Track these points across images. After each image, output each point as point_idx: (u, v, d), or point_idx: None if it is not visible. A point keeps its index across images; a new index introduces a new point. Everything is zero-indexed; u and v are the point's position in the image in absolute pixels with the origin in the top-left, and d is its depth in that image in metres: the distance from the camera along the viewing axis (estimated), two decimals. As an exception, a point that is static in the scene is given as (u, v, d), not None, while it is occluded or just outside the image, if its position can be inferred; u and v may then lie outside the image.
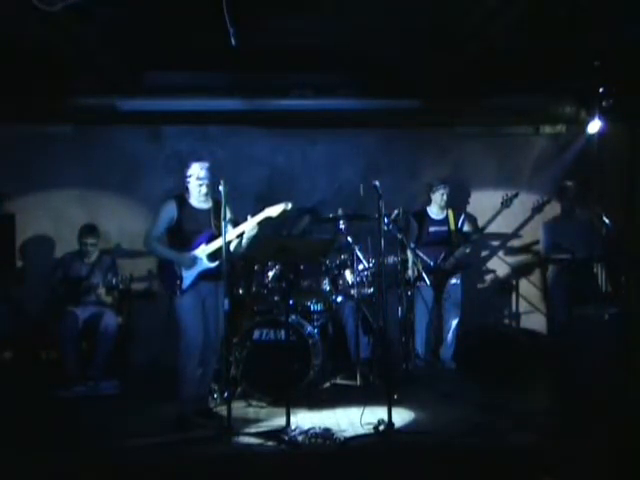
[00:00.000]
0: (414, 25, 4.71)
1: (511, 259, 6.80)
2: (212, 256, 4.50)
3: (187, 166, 4.58)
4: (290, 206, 4.52)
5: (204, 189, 4.52)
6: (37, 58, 5.04)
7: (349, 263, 5.45)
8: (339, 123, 6.57)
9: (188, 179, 4.54)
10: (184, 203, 4.58)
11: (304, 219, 5.94)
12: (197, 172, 4.52)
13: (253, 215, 4.48)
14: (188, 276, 4.48)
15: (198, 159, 4.63)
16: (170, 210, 4.56)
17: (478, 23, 4.43)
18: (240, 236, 4.52)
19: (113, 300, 5.78)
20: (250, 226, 4.46)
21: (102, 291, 5.65)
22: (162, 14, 4.43)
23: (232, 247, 4.57)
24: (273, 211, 4.48)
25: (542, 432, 4.07)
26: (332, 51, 5.23)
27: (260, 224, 4.48)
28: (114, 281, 5.55)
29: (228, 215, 4.51)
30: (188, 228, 4.54)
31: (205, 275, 4.51)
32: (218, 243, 4.47)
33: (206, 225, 4.54)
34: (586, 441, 3.84)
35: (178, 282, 4.47)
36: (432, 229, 6.12)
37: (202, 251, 4.51)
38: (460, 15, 4.42)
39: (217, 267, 4.47)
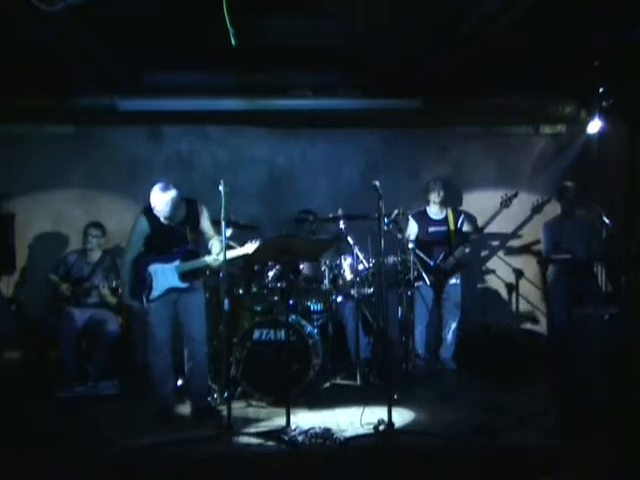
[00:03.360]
0: (414, 25, 4.70)
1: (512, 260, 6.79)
2: (185, 275, 4.53)
3: (150, 192, 4.43)
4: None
5: (169, 215, 4.43)
6: (37, 58, 5.04)
7: (349, 263, 5.45)
8: (339, 123, 6.57)
9: (150, 203, 4.44)
10: (154, 218, 4.49)
11: (307, 220, 5.95)
12: (157, 204, 4.38)
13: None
14: (158, 288, 4.49)
15: (164, 187, 4.36)
16: (142, 226, 4.53)
17: (478, 23, 4.43)
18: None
19: (117, 301, 5.75)
20: (226, 257, 4.33)
21: (107, 292, 5.64)
22: (162, 14, 4.42)
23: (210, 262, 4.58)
24: (249, 248, 4.52)
25: (542, 432, 4.07)
26: (332, 51, 5.22)
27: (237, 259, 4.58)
28: (115, 283, 5.55)
29: (206, 218, 4.57)
30: (163, 240, 4.54)
31: (174, 291, 4.54)
32: (193, 264, 4.51)
33: (182, 238, 4.52)
34: (586, 441, 3.83)
35: (146, 292, 4.49)
36: (432, 229, 6.12)
37: (174, 269, 4.51)
38: (460, 15, 4.41)
39: (188, 287, 4.53)
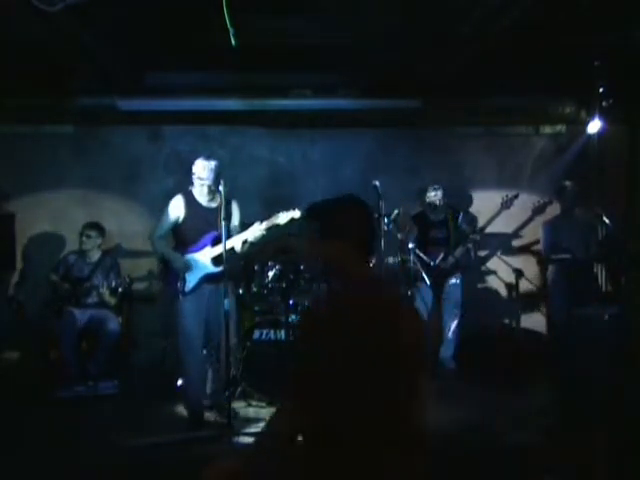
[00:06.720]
0: (414, 25, 4.70)
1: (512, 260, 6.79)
2: (217, 260, 4.47)
3: (193, 163, 4.56)
4: (299, 214, 4.50)
5: (205, 189, 4.49)
6: (37, 58, 5.04)
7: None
8: (339, 123, 6.57)
9: (192, 176, 4.53)
10: (191, 200, 4.53)
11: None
12: (199, 171, 4.48)
13: (262, 221, 4.50)
14: (192, 279, 4.46)
15: (207, 157, 4.58)
16: (177, 207, 4.52)
17: (478, 23, 4.43)
18: (245, 242, 4.54)
19: (116, 301, 5.75)
20: (257, 232, 4.47)
21: (106, 292, 5.62)
22: (162, 14, 4.42)
23: (239, 250, 4.57)
24: (281, 219, 4.50)
25: (542, 432, 4.07)
26: (332, 51, 5.22)
27: (268, 230, 4.50)
28: (114, 283, 5.55)
29: (237, 218, 4.55)
30: (194, 226, 4.50)
31: (209, 278, 4.49)
32: (223, 245, 4.47)
33: (213, 225, 4.46)
34: (586, 441, 3.83)
35: (181, 284, 4.45)
36: (432, 231, 6.11)
37: (205, 255, 4.48)
38: (460, 15, 4.41)
39: (222, 271, 4.45)
